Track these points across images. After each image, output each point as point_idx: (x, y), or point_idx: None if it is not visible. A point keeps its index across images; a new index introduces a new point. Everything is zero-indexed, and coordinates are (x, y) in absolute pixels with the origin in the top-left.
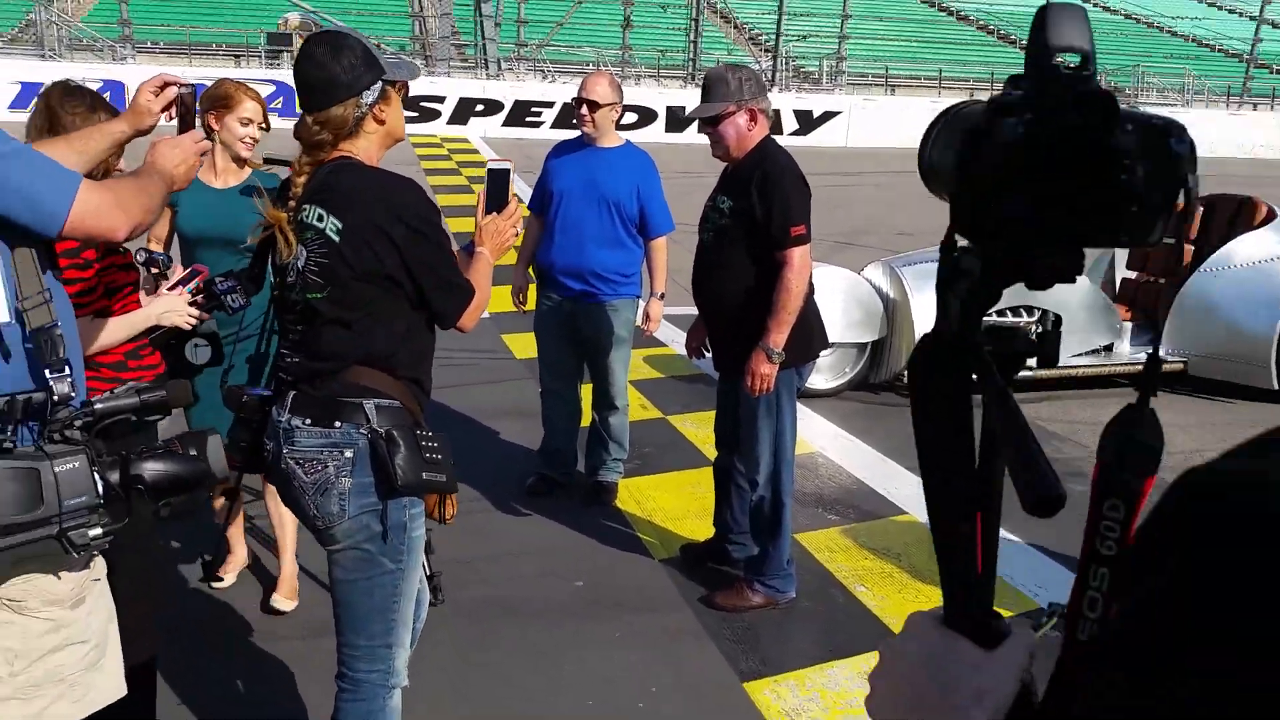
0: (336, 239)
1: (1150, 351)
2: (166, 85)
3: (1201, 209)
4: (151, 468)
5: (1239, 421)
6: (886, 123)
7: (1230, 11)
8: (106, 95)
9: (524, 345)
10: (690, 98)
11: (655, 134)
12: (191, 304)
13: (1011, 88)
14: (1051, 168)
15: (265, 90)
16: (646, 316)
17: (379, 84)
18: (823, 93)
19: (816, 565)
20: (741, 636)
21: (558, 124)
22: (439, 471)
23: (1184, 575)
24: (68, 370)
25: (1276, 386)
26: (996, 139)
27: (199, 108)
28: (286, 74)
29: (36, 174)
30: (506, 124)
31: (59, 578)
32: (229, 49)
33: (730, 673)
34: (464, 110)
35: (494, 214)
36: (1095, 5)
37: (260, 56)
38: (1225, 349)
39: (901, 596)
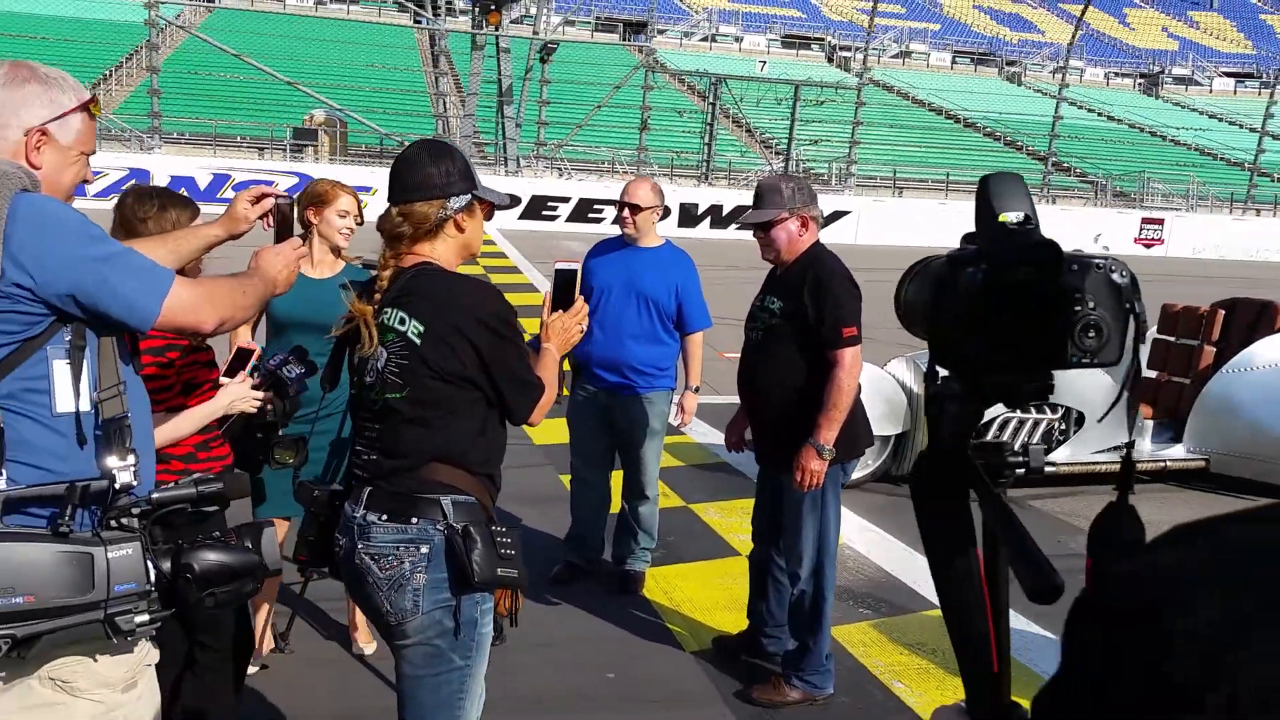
0: (418, 342)
1: (1125, 454)
2: (264, 196)
3: (1223, 312)
4: (202, 557)
5: None
6: (894, 222)
7: (1231, 124)
8: (132, 183)
9: (540, 432)
10: (702, 195)
11: (668, 228)
12: (254, 386)
13: (966, 243)
14: (1009, 310)
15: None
16: (681, 409)
17: (468, 196)
18: (833, 193)
19: (852, 660)
20: None
21: (573, 217)
22: (513, 567)
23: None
24: (132, 460)
25: None
26: (958, 288)
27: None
28: (310, 167)
29: (134, 274)
30: (523, 217)
31: (114, 659)
32: (253, 141)
33: None
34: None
35: (560, 312)
36: (1100, 115)
37: (285, 150)
38: (1247, 448)
39: (940, 692)
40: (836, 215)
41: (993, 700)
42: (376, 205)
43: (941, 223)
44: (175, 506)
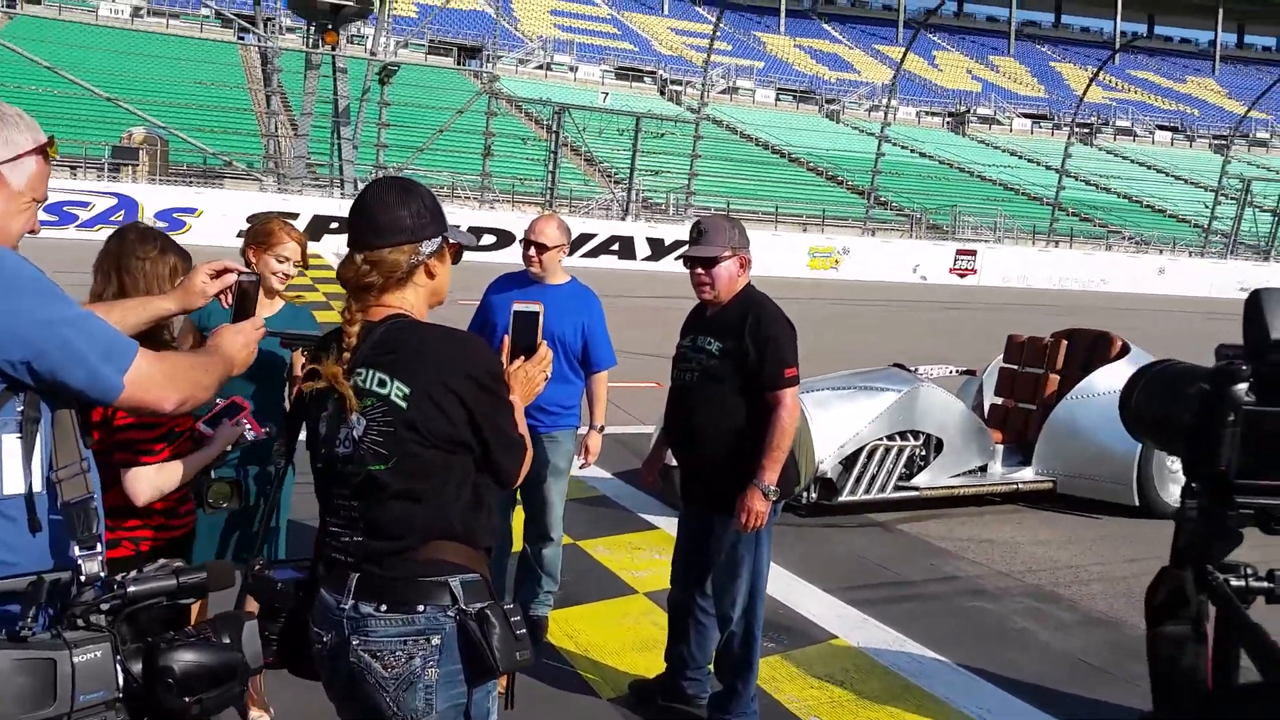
0: (403, 405)
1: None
2: (225, 271)
3: (1066, 342)
4: (182, 658)
5: (1109, 536)
6: None
7: (1031, 161)
8: (133, 220)
9: None
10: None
11: (513, 255)
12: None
13: (1226, 357)
14: None
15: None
16: (585, 449)
17: (439, 239)
18: (672, 223)
19: (766, 697)
20: None
21: None
22: (527, 648)
23: None
24: (98, 547)
25: (1137, 503)
26: (1228, 403)
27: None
28: (128, 187)
29: (98, 341)
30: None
31: None
32: (66, 159)
33: None
34: (318, 226)
35: (521, 359)
36: (913, 152)
37: (103, 169)
38: (1091, 469)
39: None
40: (678, 244)
41: None
42: (200, 226)
43: (774, 254)
44: (151, 601)
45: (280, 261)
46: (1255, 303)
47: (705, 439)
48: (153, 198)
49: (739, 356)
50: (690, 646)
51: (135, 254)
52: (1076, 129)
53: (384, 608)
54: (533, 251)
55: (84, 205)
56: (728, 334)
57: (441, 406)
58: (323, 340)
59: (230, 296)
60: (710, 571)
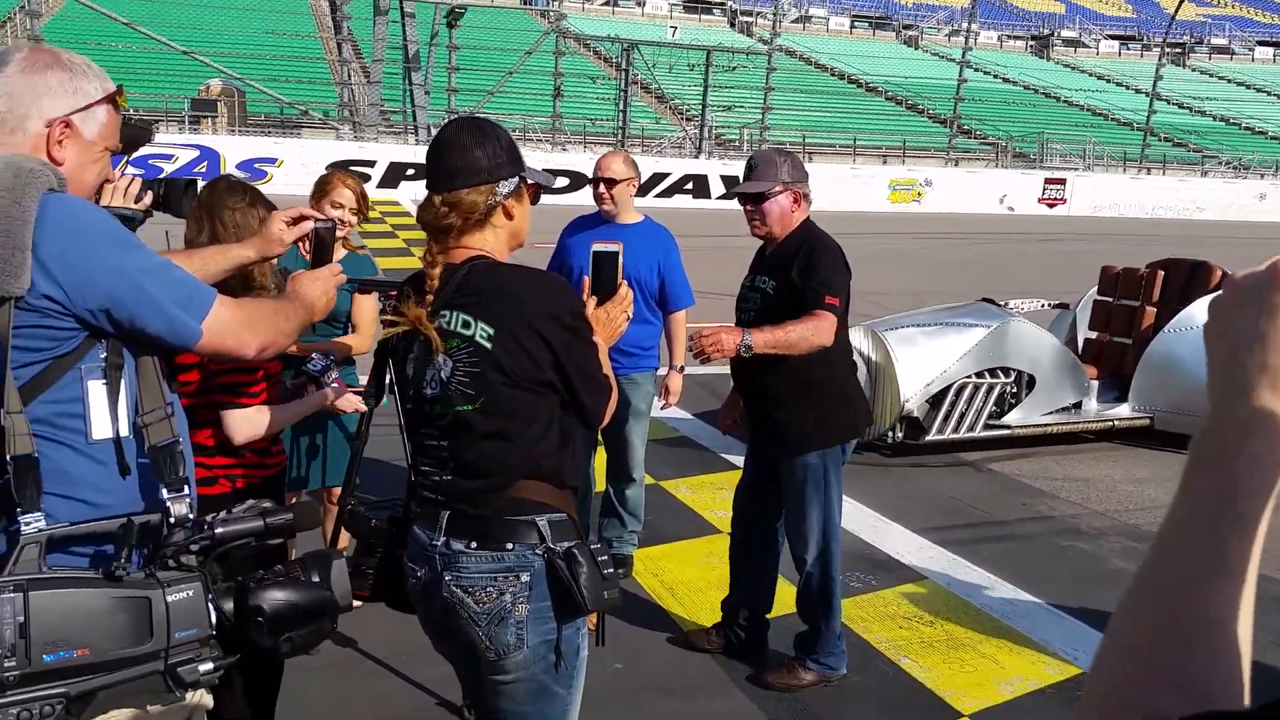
0: (489, 346)
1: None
2: (302, 218)
3: (1162, 272)
4: (272, 597)
5: None
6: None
7: (1119, 85)
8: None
9: None
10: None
11: (586, 197)
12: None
13: None
14: None
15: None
16: (666, 390)
17: (517, 179)
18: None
19: (855, 637)
20: (800, 717)
21: None
22: (615, 587)
23: None
24: (187, 490)
25: None
26: None
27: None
28: (208, 139)
29: (175, 289)
30: None
31: (167, 710)
32: (148, 113)
33: None
34: (394, 174)
35: (603, 300)
36: (996, 78)
37: (183, 122)
38: (1190, 404)
39: (948, 667)
40: None
41: None
42: (281, 176)
43: (855, 187)
44: (240, 541)
45: (334, 209)
46: None
47: (766, 380)
48: (234, 149)
49: (792, 293)
50: (745, 594)
51: (226, 204)
52: (1168, 49)
53: (474, 545)
54: (603, 188)
55: (168, 158)
56: (782, 272)
57: (526, 347)
58: (403, 284)
59: (309, 244)
60: (768, 515)
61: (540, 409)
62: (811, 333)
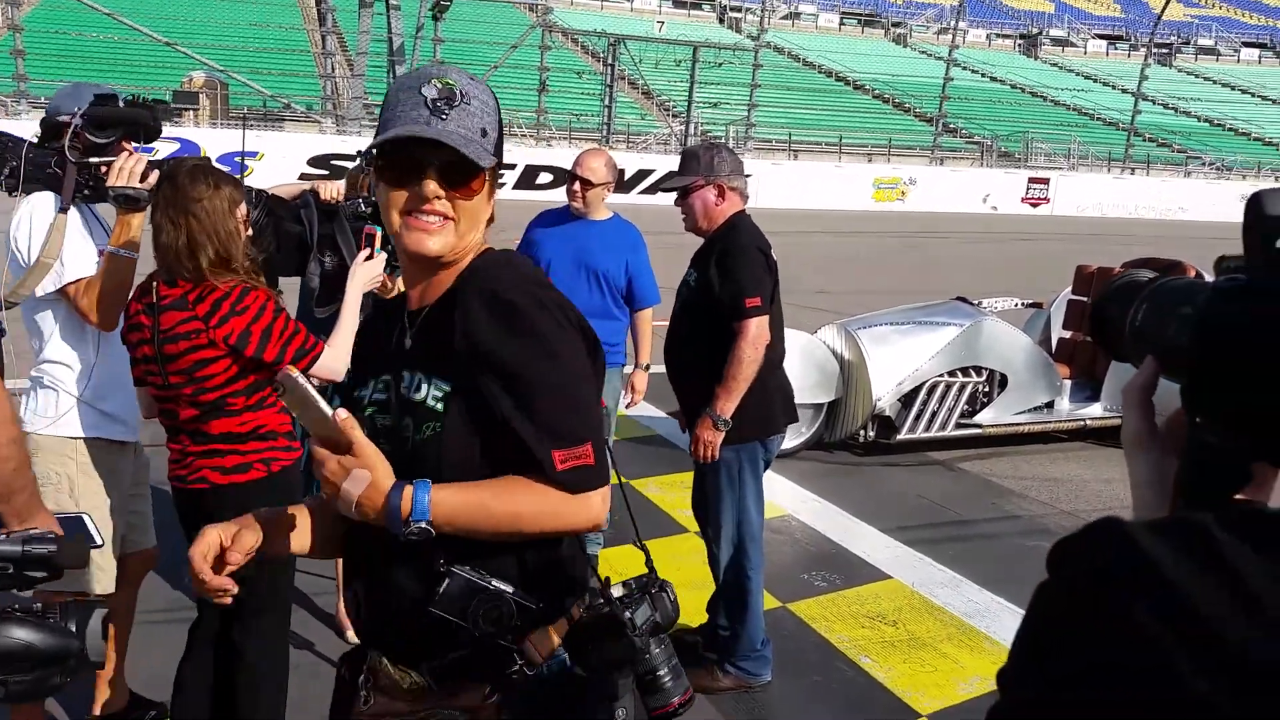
0: None
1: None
2: None
3: None
4: (7, 632)
5: None
6: (793, 186)
7: (1106, 84)
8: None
9: None
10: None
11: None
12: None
13: (1226, 272)
14: None
15: (170, 148)
16: (631, 388)
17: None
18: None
19: (816, 637)
20: (756, 717)
21: None
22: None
23: None
24: None
25: None
26: (1237, 323)
27: None
28: (190, 131)
29: None
30: None
31: None
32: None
33: None
34: None
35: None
36: (983, 77)
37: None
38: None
39: (908, 667)
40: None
41: None
42: (262, 170)
43: (837, 186)
44: None
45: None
46: (1253, 204)
47: (685, 373)
48: (215, 142)
49: (710, 288)
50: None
51: (192, 197)
52: (1154, 49)
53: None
54: (578, 186)
55: (148, 150)
56: (703, 265)
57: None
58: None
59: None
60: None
61: None
62: (746, 357)
